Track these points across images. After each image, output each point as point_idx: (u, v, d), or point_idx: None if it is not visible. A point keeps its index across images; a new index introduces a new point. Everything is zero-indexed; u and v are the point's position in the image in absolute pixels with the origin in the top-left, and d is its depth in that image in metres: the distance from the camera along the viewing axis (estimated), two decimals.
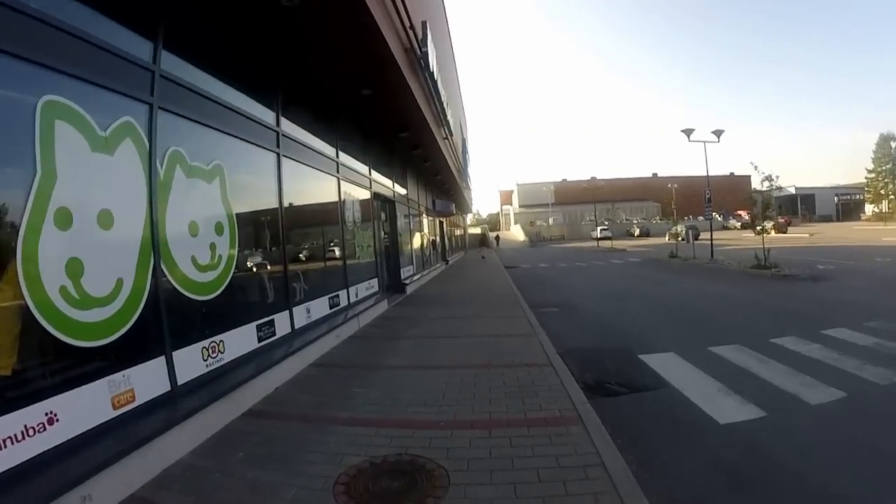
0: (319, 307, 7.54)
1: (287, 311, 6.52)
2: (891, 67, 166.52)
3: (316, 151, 7.93)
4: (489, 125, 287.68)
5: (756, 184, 18.16)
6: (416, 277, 15.60)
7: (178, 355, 4.18)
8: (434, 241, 23.30)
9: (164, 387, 3.98)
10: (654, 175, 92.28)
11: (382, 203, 12.95)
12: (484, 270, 22.21)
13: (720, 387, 5.20)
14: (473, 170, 57.86)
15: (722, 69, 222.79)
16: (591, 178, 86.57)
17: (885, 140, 72.79)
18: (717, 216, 66.52)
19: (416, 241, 17.36)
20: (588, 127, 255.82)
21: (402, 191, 15.09)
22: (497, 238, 57.39)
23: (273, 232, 6.46)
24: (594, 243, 47.96)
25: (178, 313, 4.33)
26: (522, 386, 4.98)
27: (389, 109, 9.41)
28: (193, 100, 4.72)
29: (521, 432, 3.88)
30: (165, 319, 4.07)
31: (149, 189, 3.98)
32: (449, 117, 14.00)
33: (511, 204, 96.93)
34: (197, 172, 4.76)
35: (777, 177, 17.70)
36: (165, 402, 3.93)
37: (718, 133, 20.79)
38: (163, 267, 4.10)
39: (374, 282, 10.79)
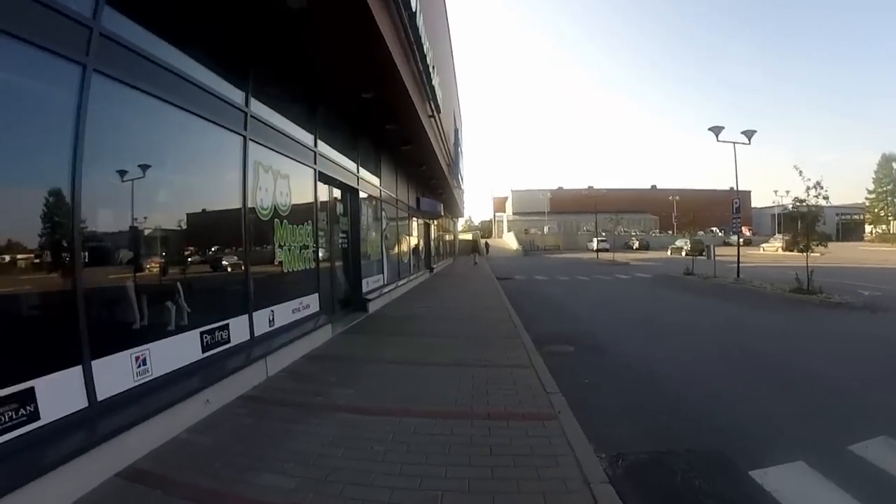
0: (175, 351, 4.27)
1: (79, 368, 3.29)
2: (888, 87, 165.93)
3: (195, 84, 4.68)
4: (484, 129, 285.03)
5: (794, 193, 14.97)
6: (387, 289, 12.35)
7: None
8: (417, 246, 20.07)
9: None
10: (653, 187, 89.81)
11: (340, 191, 9.73)
12: (473, 282, 18.97)
13: None
14: (466, 174, 54.89)
15: (722, 85, 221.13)
16: (589, 186, 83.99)
17: (886, 161, 71.17)
18: (717, 231, 64.88)
19: (391, 245, 14.11)
20: (585, 135, 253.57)
21: (373, 179, 11.86)
22: (486, 245, 54.16)
23: (54, 212, 3.21)
24: (591, 255, 45.08)
25: None
26: None
27: (341, 45, 6.23)
28: None
29: None
30: None
31: None
32: (436, 85, 10.82)
33: (504, 211, 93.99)
34: None
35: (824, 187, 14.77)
36: None
37: (749, 133, 18.03)
38: None
39: (312, 299, 7.51)
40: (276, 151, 6.51)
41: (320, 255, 8.03)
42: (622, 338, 8.28)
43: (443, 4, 17.86)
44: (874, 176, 72.67)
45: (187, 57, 4.62)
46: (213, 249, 5.23)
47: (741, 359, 6.74)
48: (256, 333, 5.75)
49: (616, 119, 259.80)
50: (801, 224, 15.07)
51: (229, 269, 5.47)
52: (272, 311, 6.20)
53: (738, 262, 18.01)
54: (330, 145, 8.66)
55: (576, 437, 3.78)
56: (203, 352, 4.68)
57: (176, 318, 4.35)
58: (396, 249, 14.88)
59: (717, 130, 17.81)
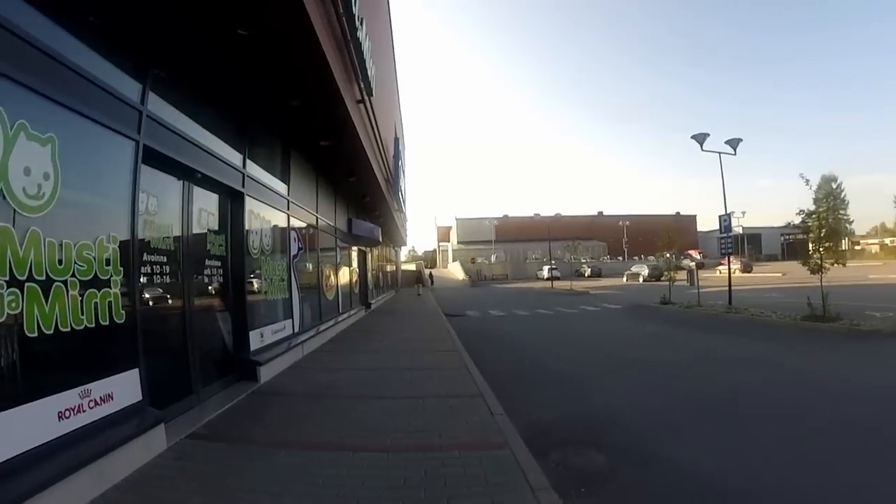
0: None
1: None
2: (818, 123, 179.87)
3: None
4: (425, 157, 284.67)
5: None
6: (300, 339, 8.80)
7: None
8: (349, 279, 16.53)
9: None
10: (600, 213, 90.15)
11: (217, 195, 6.28)
12: (418, 322, 15.56)
13: None
14: (410, 203, 51.99)
15: (661, 118, 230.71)
16: (535, 214, 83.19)
17: (825, 181, 74.13)
18: (668, 256, 63.98)
19: (308, 278, 10.58)
20: (528, 163, 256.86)
21: (275, 185, 8.38)
22: (431, 276, 50.99)
23: None
24: (544, 284, 43.03)
25: None
26: None
27: None
28: None
29: None
30: None
31: None
32: (365, 51, 7.70)
33: (449, 240, 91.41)
34: None
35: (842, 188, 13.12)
36: None
37: (734, 143, 16.15)
38: None
39: (122, 382, 3.90)
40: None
41: (144, 296, 4.55)
42: (666, 423, 5.13)
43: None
44: (814, 196, 75.94)
45: None
46: None
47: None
48: None
49: (558, 148, 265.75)
50: (808, 236, 13.04)
51: None
52: None
53: (730, 287, 15.70)
54: (179, 109, 5.22)
55: None
56: None
57: None
58: (317, 283, 11.33)
59: (700, 138, 16.08)
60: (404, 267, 59.57)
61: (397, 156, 17.96)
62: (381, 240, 21.49)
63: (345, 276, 15.53)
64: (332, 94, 6.87)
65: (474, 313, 19.65)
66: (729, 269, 17.37)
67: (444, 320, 15.54)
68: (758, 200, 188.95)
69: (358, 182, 12.84)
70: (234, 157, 6.60)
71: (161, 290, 5.04)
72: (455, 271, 67.14)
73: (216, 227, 6.27)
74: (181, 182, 5.44)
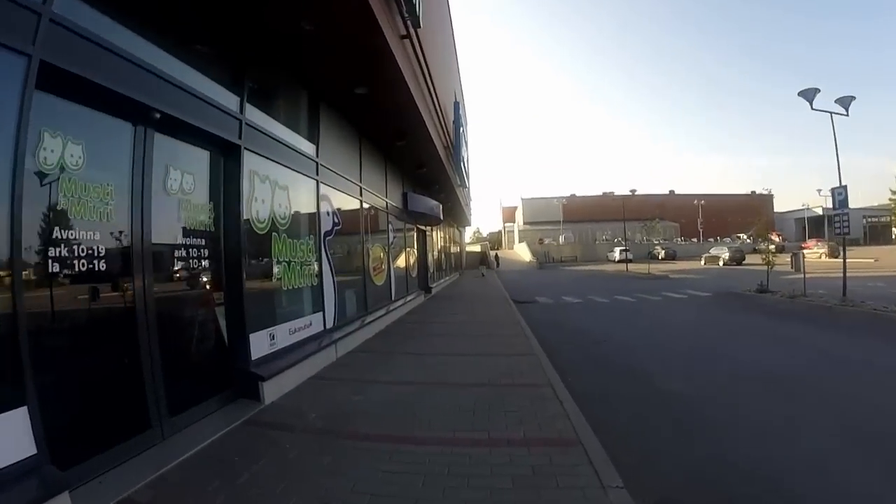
0: None
1: None
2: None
3: None
4: (489, 138, 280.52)
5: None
6: (330, 340, 7.08)
7: None
8: (406, 262, 14.81)
9: None
10: (672, 192, 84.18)
11: (174, 136, 4.60)
12: (481, 309, 13.57)
13: None
14: (474, 183, 49.91)
15: (740, 92, 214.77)
16: (604, 193, 78.94)
17: None
18: (745, 238, 58.92)
19: (348, 261, 8.90)
20: (595, 141, 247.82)
21: (294, 141, 6.54)
22: (497, 258, 48.98)
23: None
24: (616, 266, 39.82)
25: None
26: None
27: None
28: None
29: None
30: None
31: None
32: None
33: (514, 221, 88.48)
34: None
35: None
36: None
37: (846, 101, 12.93)
38: None
39: None
40: None
41: (54, 293, 2.91)
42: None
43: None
44: None
45: None
46: None
47: None
48: None
49: (625, 125, 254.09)
50: None
51: None
52: None
53: (845, 277, 12.59)
54: (123, 24, 3.50)
55: None
56: None
57: None
58: (362, 267, 9.62)
59: (810, 95, 13.07)
60: (469, 248, 57.82)
61: (458, 122, 15.88)
62: (442, 218, 19.66)
63: (400, 258, 13.83)
64: (361, 13, 4.99)
65: (546, 300, 17.42)
66: (844, 254, 14.09)
67: (512, 308, 13.51)
68: (827, 180, 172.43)
69: (410, 147, 10.93)
70: (227, 98, 4.85)
71: (95, 282, 3.38)
72: (521, 253, 64.56)
73: (199, 193, 4.56)
74: (134, 127, 3.75)
